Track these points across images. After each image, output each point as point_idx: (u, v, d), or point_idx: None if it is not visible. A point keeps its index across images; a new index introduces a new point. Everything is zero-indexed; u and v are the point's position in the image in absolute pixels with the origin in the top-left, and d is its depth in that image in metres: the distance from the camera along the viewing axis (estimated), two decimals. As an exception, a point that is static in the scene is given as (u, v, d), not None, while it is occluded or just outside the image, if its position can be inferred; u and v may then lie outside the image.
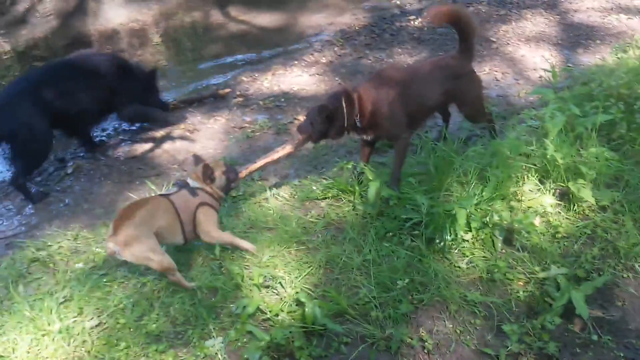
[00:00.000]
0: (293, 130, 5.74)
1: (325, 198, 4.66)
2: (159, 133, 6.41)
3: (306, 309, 3.43)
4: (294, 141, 4.60)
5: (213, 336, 3.46)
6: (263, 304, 3.61)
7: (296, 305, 3.59)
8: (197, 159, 4.28)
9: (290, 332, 3.37)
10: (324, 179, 4.90)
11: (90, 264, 4.25)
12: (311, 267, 3.93)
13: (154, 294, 3.84)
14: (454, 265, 3.87)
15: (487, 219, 3.98)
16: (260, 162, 4.63)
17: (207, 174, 4.10)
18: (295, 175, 5.15)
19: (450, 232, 3.91)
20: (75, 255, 4.37)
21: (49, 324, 3.63)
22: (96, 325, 3.67)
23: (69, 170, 5.92)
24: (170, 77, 7.96)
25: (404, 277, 3.74)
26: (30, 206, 5.41)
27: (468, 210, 3.90)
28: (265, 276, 3.81)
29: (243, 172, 4.54)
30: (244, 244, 4.12)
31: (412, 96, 4.51)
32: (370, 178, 4.31)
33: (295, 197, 4.77)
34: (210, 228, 4.02)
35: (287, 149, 4.62)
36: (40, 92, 5.52)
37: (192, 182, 4.12)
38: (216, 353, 3.36)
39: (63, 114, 5.64)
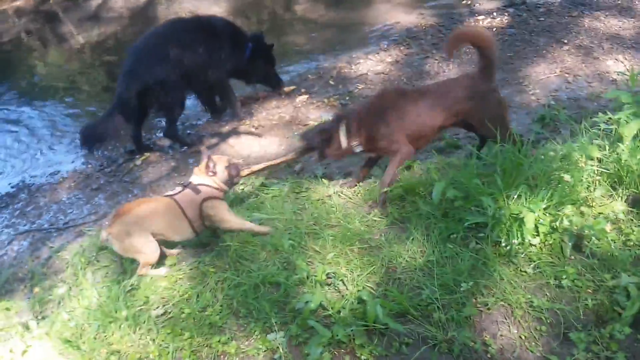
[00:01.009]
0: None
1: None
2: (225, 128, 6.52)
3: (368, 308, 3.42)
4: (296, 149, 4.91)
5: (275, 330, 3.47)
6: (325, 300, 3.59)
7: (358, 303, 3.56)
8: (208, 157, 4.39)
9: (351, 329, 3.35)
10: (388, 178, 4.85)
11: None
12: (373, 266, 3.90)
13: (217, 285, 3.89)
14: (520, 270, 3.77)
15: (557, 223, 3.87)
16: (263, 165, 4.92)
17: (209, 167, 4.28)
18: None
19: (517, 236, 3.83)
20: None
21: (116, 311, 3.73)
22: (161, 314, 3.74)
23: (138, 162, 6.07)
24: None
25: (468, 279, 3.68)
26: (100, 196, 5.56)
27: (537, 215, 3.81)
28: (328, 273, 3.81)
29: (245, 171, 4.75)
30: (258, 228, 4.29)
31: (412, 119, 4.53)
32: (435, 178, 4.26)
33: (359, 195, 4.75)
34: (224, 216, 4.23)
35: (289, 156, 4.96)
36: (170, 49, 5.89)
37: (195, 176, 4.31)
38: (277, 347, 3.37)
39: (188, 71, 5.99)
